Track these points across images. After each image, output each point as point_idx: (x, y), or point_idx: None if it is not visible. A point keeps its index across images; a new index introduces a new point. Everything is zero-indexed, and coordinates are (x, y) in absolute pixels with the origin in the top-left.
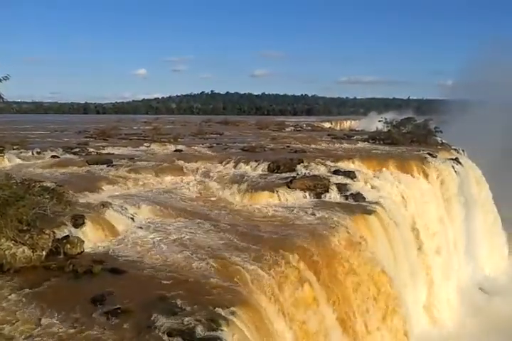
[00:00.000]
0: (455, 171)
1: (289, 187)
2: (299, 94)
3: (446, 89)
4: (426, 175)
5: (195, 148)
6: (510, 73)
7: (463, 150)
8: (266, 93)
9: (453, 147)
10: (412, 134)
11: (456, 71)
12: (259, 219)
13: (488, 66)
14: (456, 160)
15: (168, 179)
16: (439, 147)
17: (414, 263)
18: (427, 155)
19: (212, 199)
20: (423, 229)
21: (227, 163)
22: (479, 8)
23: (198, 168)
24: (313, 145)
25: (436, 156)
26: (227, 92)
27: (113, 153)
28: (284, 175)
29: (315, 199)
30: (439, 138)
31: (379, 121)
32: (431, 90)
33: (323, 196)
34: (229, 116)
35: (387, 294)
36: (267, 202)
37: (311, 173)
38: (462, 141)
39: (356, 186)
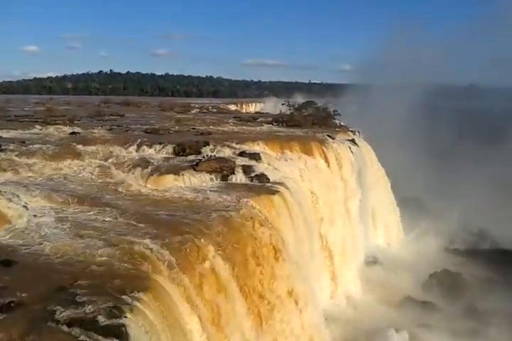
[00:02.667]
0: (351, 151)
1: (194, 170)
2: (204, 76)
3: (345, 73)
4: (325, 156)
5: (94, 130)
6: (405, 59)
7: (358, 132)
8: (170, 73)
9: (350, 129)
10: (313, 117)
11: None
12: (164, 202)
13: (384, 52)
14: (353, 141)
15: (65, 164)
16: (338, 129)
17: (316, 239)
18: (327, 137)
19: (114, 184)
20: (324, 206)
21: (129, 146)
22: None
23: (97, 152)
24: (219, 128)
25: (334, 138)
26: (128, 72)
27: (0, 136)
28: (189, 157)
29: (221, 182)
30: (337, 121)
31: (282, 104)
32: (330, 75)
33: (229, 178)
34: (130, 97)
35: (289, 270)
36: (172, 185)
37: (217, 156)
38: (358, 123)
39: (261, 167)
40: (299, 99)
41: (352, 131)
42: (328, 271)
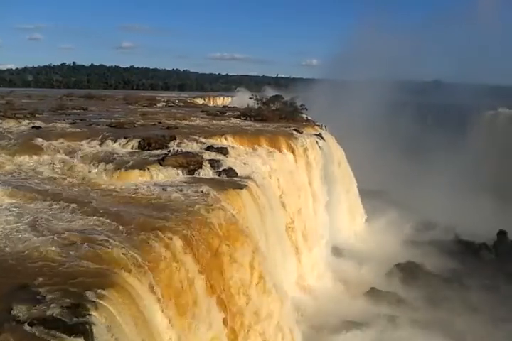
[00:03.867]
0: (318, 146)
1: (161, 165)
2: (171, 69)
3: (312, 68)
4: (293, 150)
5: (56, 124)
6: (371, 54)
7: (325, 126)
8: (135, 66)
9: (317, 123)
10: (281, 111)
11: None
12: (130, 198)
13: (350, 47)
14: (320, 135)
15: (26, 159)
16: (305, 123)
17: (283, 233)
18: (294, 131)
19: (77, 179)
20: (291, 200)
21: (93, 141)
22: None
23: (59, 147)
24: (186, 122)
25: (302, 132)
26: (92, 65)
27: None
28: (155, 152)
29: (188, 176)
30: (304, 115)
31: (250, 98)
32: (298, 69)
33: (196, 173)
34: (94, 90)
35: (259, 264)
36: (137, 180)
37: (184, 150)
38: (324, 117)
39: (229, 162)
40: (267, 93)
41: (319, 126)
42: (294, 262)
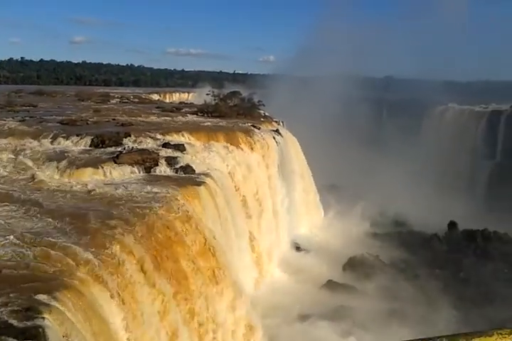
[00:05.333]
0: (276, 141)
1: (115, 162)
2: (125, 64)
3: (269, 64)
4: (251, 146)
5: (3, 122)
6: (327, 50)
7: (282, 122)
8: (87, 61)
9: (274, 119)
10: (238, 107)
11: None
12: (82, 197)
13: (307, 44)
14: (277, 131)
15: None
16: (263, 119)
17: (242, 229)
18: (252, 127)
19: (27, 179)
20: (249, 196)
21: (44, 138)
22: None
23: (7, 145)
24: (141, 118)
25: (259, 128)
26: (42, 60)
27: None
28: (109, 149)
29: (144, 174)
30: (262, 111)
31: (207, 94)
32: (255, 65)
33: (152, 170)
34: (44, 86)
35: (216, 261)
36: (90, 179)
37: (139, 147)
38: (282, 113)
39: (186, 159)
40: (224, 89)
41: (276, 122)
42: (252, 257)
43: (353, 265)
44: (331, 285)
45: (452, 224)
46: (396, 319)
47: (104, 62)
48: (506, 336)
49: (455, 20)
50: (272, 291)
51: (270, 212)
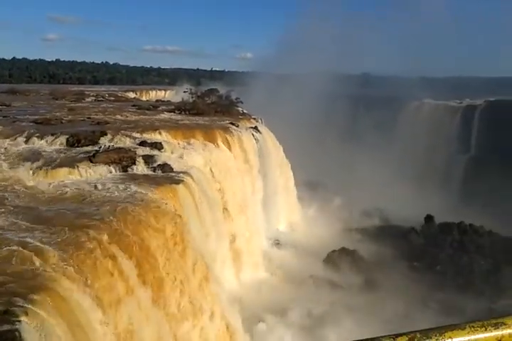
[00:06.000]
0: (255, 139)
1: (91, 162)
2: (100, 62)
3: (247, 61)
4: (229, 144)
5: None
6: (306, 48)
7: (261, 119)
8: (61, 59)
9: (253, 116)
10: (216, 105)
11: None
12: (58, 198)
13: (285, 41)
14: (256, 128)
15: None
16: (241, 117)
17: (221, 227)
18: (230, 125)
19: (1, 179)
20: (228, 194)
21: (18, 138)
22: None
23: None
24: (117, 117)
25: (238, 125)
26: (14, 58)
27: None
28: (85, 148)
29: (121, 173)
30: (240, 108)
31: (184, 91)
32: (233, 62)
33: (129, 169)
34: (17, 84)
35: (196, 258)
36: (66, 179)
37: (116, 146)
38: (260, 111)
39: (164, 157)
40: (202, 86)
41: (255, 119)
42: (233, 256)
43: (332, 259)
44: (311, 280)
45: (429, 218)
46: (374, 312)
47: (79, 60)
48: (478, 329)
49: (432, 18)
50: (253, 288)
51: (250, 209)
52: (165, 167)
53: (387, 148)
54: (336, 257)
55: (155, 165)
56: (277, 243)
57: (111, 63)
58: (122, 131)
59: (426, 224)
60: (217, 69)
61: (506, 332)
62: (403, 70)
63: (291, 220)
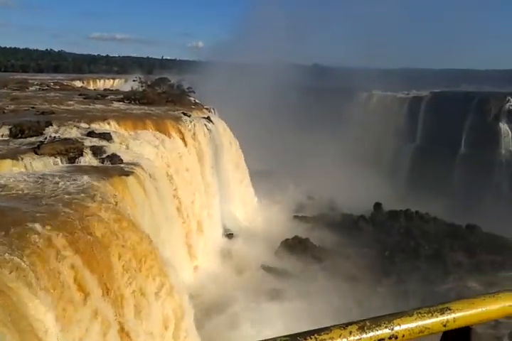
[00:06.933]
0: (207, 129)
1: (36, 153)
2: (44, 49)
3: (198, 50)
4: (181, 134)
5: None
6: (258, 38)
7: (214, 109)
8: (2, 46)
9: (205, 106)
10: (167, 94)
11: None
12: (0, 191)
13: (238, 30)
14: (208, 118)
15: None
16: (193, 106)
17: (174, 218)
18: (182, 115)
19: None
20: (181, 185)
21: None
22: None
23: None
24: (63, 106)
25: (190, 115)
26: None
27: None
28: (29, 139)
29: (68, 165)
30: (192, 98)
31: (134, 80)
32: (184, 51)
33: (77, 160)
34: None
35: (148, 251)
36: (9, 171)
37: (62, 137)
38: (213, 101)
39: (113, 148)
40: (152, 75)
41: (207, 109)
42: (187, 248)
43: (285, 248)
44: (263, 269)
45: (377, 205)
46: (324, 298)
47: (22, 47)
48: (425, 315)
49: (385, 11)
50: (206, 280)
51: (203, 200)
52: (114, 158)
53: (339, 137)
54: (289, 246)
55: (104, 156)
56: (231, 233)
57: (56, 51)
58: (69, 121)
59: (375, 212)
60: (168, 57)
61: (451, 316)
62: (355, 62)
63: (245, 210)
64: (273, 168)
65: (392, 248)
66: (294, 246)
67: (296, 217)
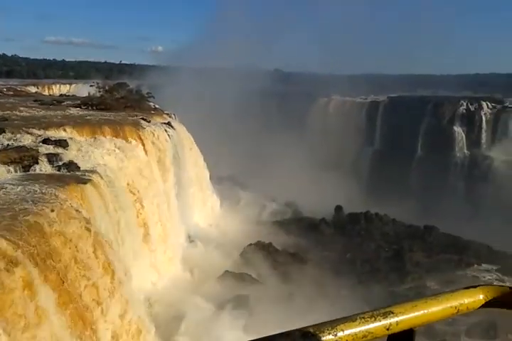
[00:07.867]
0: (168, 135)
1: None
2: None
3: (157, 55)
4: (141, 140)
5: None
6: (220, 42)
7: (174, 115)
8: None
9: (165, 112)
10: (126, 99)
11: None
12: None
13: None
14: (169, 124)
15: None
16: (153, 112)
17: (134, 226)
18: (141, 120)
19: None
20: (141, 192)
21: None
22: None
23: None
24: (17, 113)
25: (150, 121)
26: None
27: None
28: None
29: (22, 173)
30: (152, 103)
31: (91, 85)
32: (143, 56)
33: (31, 169)
34: None
35: (108, 260)
36: None
37: (16, 144)
38: (173, 105)
39: (69, 155)
40: (110, 80)
41: (168, 114)
42: (146, 253)
43: (248, 253)
44: (227, 275)
45: (338, 208)
46: (288, 303)
47: None
48: (368, 319)
49: (351, 17)
50: (170, 287)
51: (164, 207)
52: (71, 166)
53: (299, 142)
54: (252, 251)
55: (60, 163)
56: (193, 240)
57: (9, 55)
58: (23, 128)
59: (336, 215)
60: (127, 62)
61: (394, 320)
62: (320, 68)
63: (206, 215)
64: (235, 173)
65: (354, 250)
66: (257, 250)
67: (258, 221)
